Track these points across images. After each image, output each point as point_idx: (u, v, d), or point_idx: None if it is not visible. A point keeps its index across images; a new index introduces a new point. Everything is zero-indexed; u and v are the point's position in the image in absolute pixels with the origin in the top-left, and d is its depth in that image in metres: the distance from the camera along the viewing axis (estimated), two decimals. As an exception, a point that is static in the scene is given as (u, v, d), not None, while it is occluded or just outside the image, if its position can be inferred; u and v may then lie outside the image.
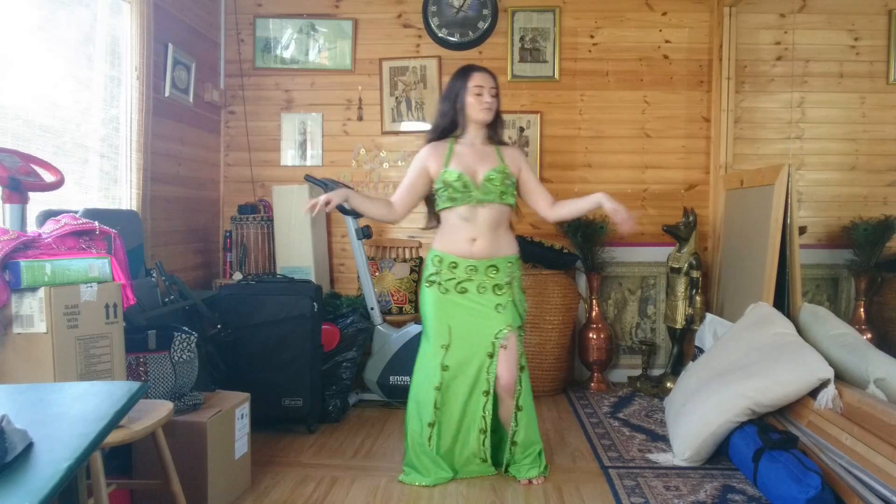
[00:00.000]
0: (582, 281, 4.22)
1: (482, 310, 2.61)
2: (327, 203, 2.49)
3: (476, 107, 2.63)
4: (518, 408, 2.63)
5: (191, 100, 3.85)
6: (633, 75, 4.28)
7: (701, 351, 3.66)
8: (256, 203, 4.22)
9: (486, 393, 2.60)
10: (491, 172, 2.61)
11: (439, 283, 2.64)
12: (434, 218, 2.79)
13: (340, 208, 3.62)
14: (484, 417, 2.61)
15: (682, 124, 4.29)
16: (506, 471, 2.72)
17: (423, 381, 2.68)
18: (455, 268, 2.63)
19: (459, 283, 2.62)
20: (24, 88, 2.59)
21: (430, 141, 2.74)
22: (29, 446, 1.03)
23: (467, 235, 2.62)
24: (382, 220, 2.98)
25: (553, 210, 2.74)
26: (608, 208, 2.58)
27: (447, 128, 2.71)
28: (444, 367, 2.61)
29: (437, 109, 2.80)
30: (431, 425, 2.64)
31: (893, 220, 3.95)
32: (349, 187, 3.80)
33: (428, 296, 2.67)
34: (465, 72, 2.69)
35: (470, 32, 4.25)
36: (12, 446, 0.99)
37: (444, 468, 2.66)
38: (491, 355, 2.58)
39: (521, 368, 2.65)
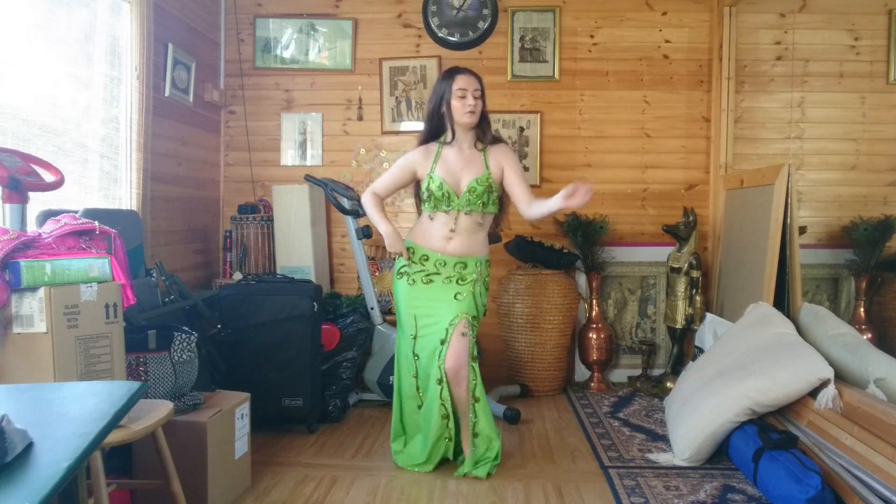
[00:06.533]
0: (582, 281, 4.22)
1: (442, 297, 2.66)
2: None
3: (460, 110, 2.66)
4: (475, 399, 2.68)
5: (191, 100, 3.85)
6: (633, 75, 4.28)
7: (701, 351, 3.66)
8: (256, 203, 4.22)
9: (439, 381, 2.64)
10: (473, 183, 2.65)
11: (409, 275, 2.71)
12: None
13: (340, 208, 3.64)
14: (443, 404, 2.64)
15: (682, 124, 4.29)
16: (456, 465, 2.76)
17: (404, 372, 2.79)
18: (426, 260, 2.69)
19: (428, 275, 2.70)
20: (24, 88, 2.59)
21: (420, 143, 2.81)
22: (29, 446, 1.03)
23: (443, 235, 2.69)
24: None
25: (530, 209, 2.69)
26: (564, 193, 2.46)
27: (433, 130, 2.77)
28: (416, 356, 2.70)
29: (426, 112, 2.84)
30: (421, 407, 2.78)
31: (893, 220, 3.95)
32: (348, 187, 3.80)
33: (399, 287, 2.76)
34: (449, 74, 2.72)
35: (470, 32, 4.25)
36: (12, 446, 0.99)
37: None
38: (443, 342, 2.63)
39: (474, 359, 2.68)
